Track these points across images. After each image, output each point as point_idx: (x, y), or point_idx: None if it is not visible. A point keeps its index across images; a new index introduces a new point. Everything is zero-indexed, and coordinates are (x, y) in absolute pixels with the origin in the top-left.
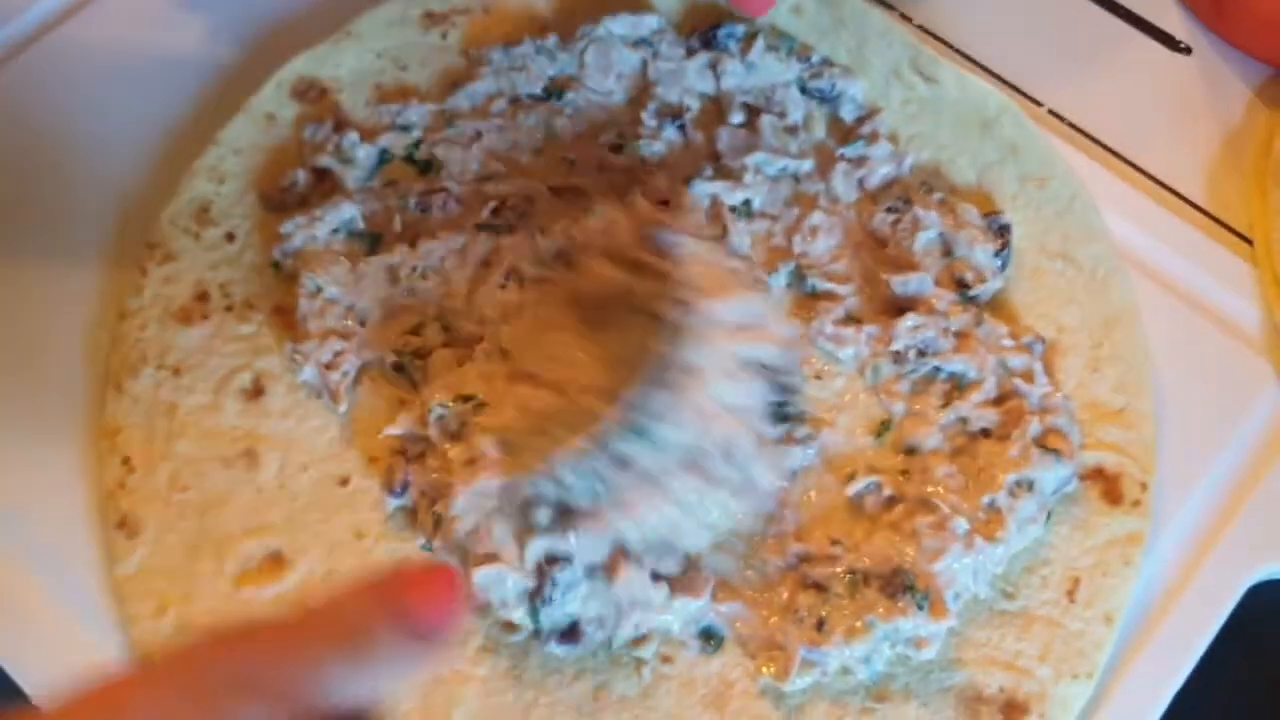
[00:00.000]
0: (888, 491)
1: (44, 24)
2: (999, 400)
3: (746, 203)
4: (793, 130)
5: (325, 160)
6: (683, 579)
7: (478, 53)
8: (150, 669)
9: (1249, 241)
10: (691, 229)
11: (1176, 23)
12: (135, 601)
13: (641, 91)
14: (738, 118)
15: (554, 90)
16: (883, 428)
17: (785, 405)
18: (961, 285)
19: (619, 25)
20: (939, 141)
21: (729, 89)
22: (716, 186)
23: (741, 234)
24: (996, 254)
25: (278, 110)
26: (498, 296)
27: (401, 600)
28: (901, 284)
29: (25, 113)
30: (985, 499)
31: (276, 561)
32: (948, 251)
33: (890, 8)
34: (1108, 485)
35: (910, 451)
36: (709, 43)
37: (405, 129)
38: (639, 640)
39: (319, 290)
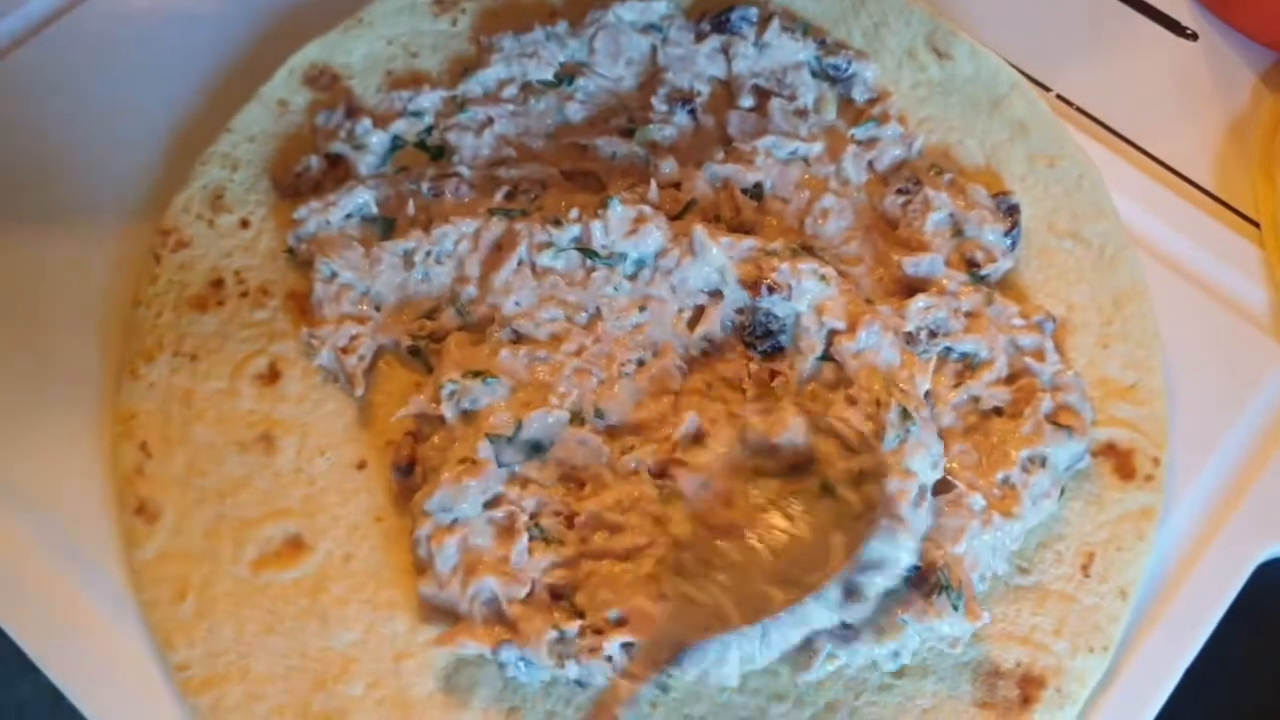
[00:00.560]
0: None
1: (57, 9)
2: (1010, 379)
3: (758, 185)
4: (803, 113)
5: (338, 146)
6: None
7: (488, 39)
8: None
9: (1255, 224)
10: None
11: (1183, 9)
12: (154, 587)
13: (651, 76)
14: (748, 101)
15: (564, 76)
16: None
17: None
18: (972, 265)
19: (628, 11)
20: (949, 123)
21: (740, 72)
22: (728, 170)
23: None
24: (1006, 234)
25: (290, 97)
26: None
27: None
28: (913, 265)
29: (38, 100)
30: (999, 475)
31: (295, 545)
32: (958, 232)
33: None
34: (1120, 461)
35: None
36: (721, 26)
37: (417, 115)
38: None
39: (334, 275)
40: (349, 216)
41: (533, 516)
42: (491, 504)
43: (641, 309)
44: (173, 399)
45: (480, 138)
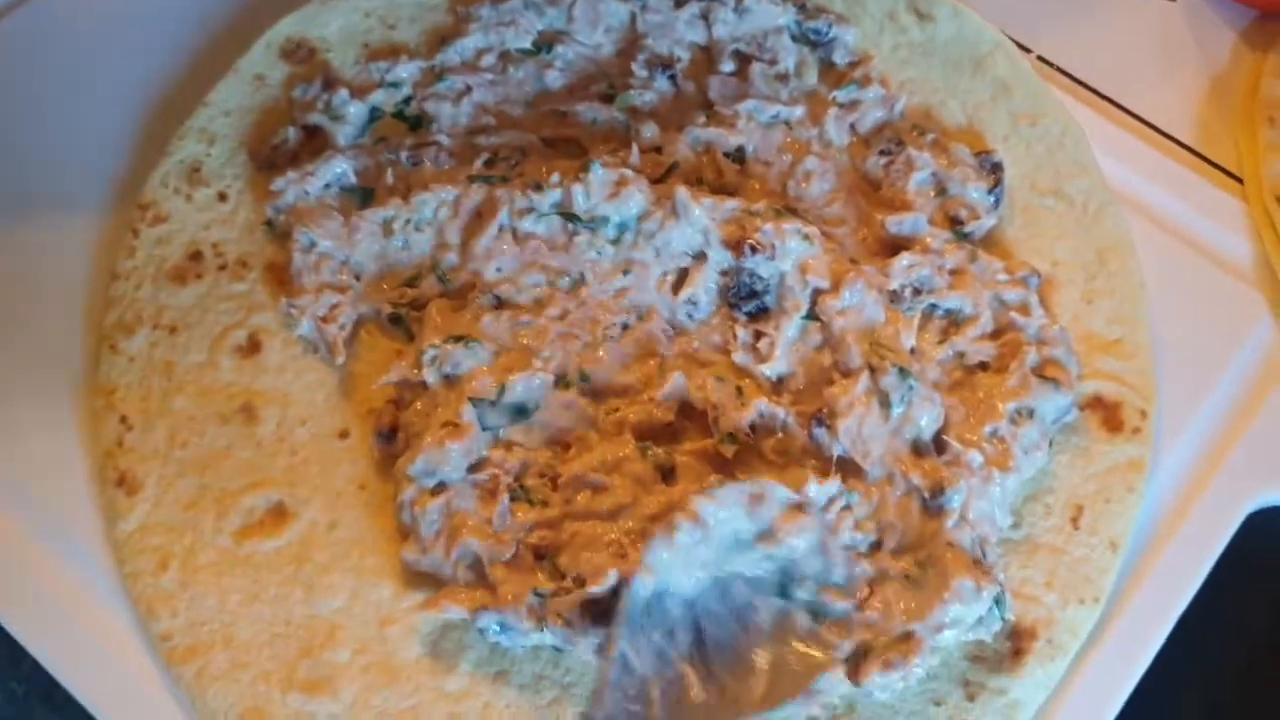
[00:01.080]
0: None
1: None
2: (996, 334)
3: (740, 149)
4: (784, 78)
5: (315, 118)
6: None
7: (466, 9)
8: None
9: (1238, 179)
10: None
11: None
12: (137, 558)
13: (631, 43)
14: (729, 66)
15: (543, 44)
16: None
17: None
18: (955, 223)
19: None
20: (931, 85)
21: (720, 38)
22: (710, 134)
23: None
24: (989, 191)
25: (267, 71)
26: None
27: None
28: (896, 224)
29: (12, 80)
30: (988, 429)
31: (278, 515)
32: (941, 191)
33: None
34: (1108, 414)
35: None
36: None
37: (395, 86)
38: None
39: (313, 245)
40: (327, 186)
41: (516, 479)
42: (475, 468)
43: (625, 273)
44: (153, 372)
45: (459, 106)
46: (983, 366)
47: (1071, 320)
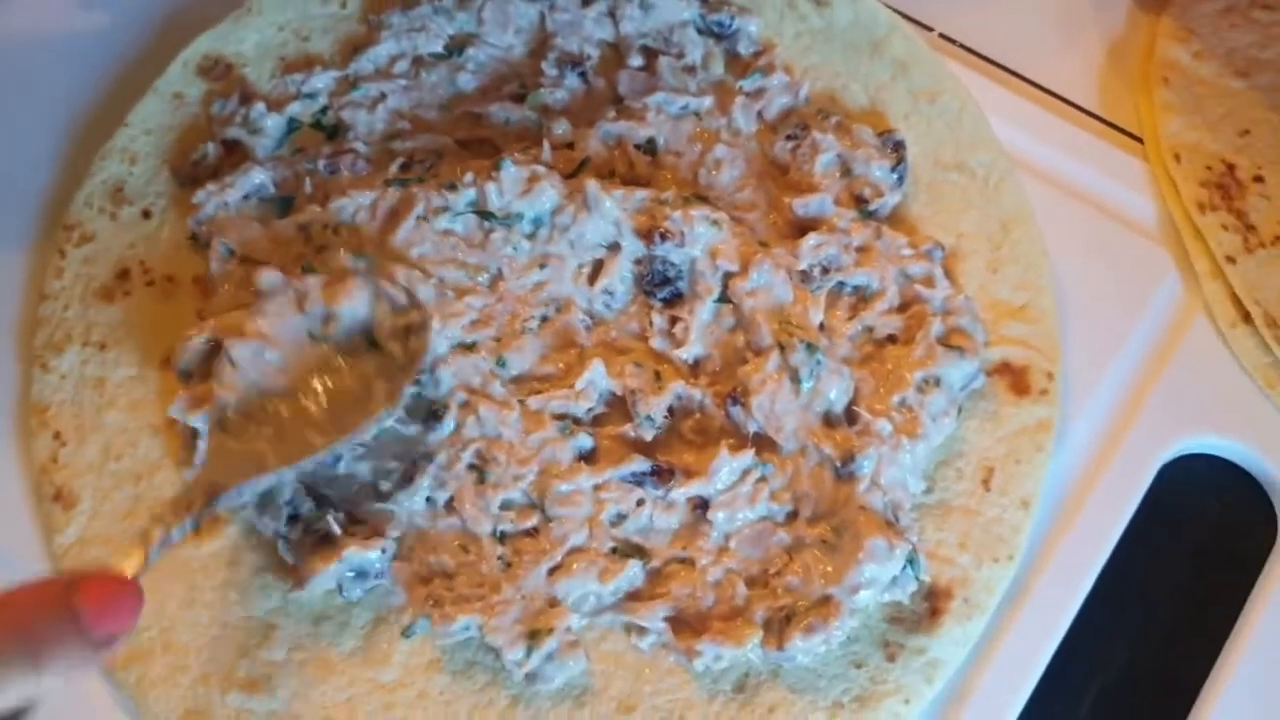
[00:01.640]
0: None
1: None
2: (903, 307)
3: (651, 141)
4: (691, 70)
5: (234, 132)
6: None
7: (377, 17)
8: None
9: (1140, 140)
10: None
11: None
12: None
13: (541, 43)
14: (637, 61)
15: (455, 48)
16: None
17: None
18: (861, 202)
19: None
20: (832, 70)
21: (628, 34)
22: (620, 127)
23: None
24: (893, 169)
25: (185, 89)
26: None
27: (77, 604)
28: (802, 206)
29: None
30: (896, 398)
31: (212, 520)
32: (846, 171)
33: None
34: (1015, 378)
35: None
36: None
37: (311, 96)
38: None
39: (231, 254)
40: (246, 197)
41: None
42: None
43: (542, 266)
44: (84, 388)
45: (374, 113)
46: (891, 339)
47: (978, 289)
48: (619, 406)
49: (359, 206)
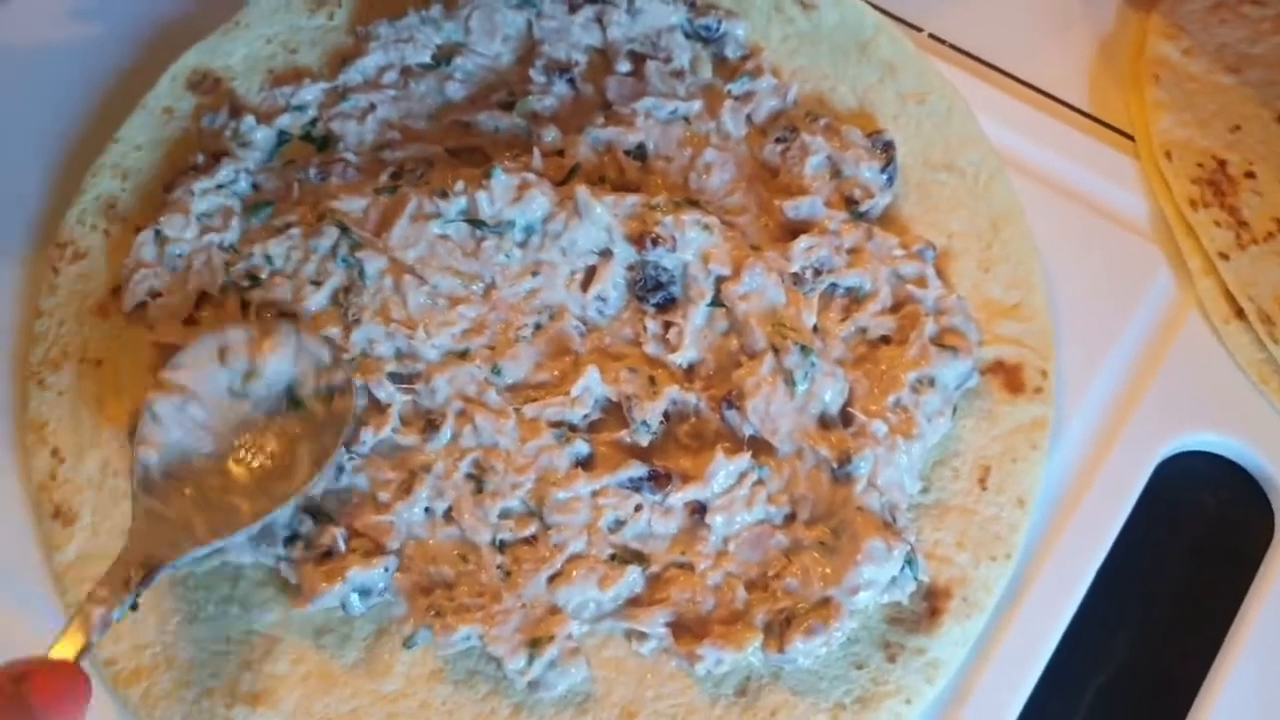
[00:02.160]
0: None
1: None
2: (895, 308)
3: (640, 146)
4: (679, 74)
5: (223, 145)
6: None
7: (365, 29)
8: None
9: (1131, 138)
10: None
11: None
12: (77, 588)
13: (529, 50)
14: (625, 66)
15: (442, 57)
16: None
17: None
18: (851, 204)
19: None
20: (820, 72)
21: (615, 39)
22: (610, 133)
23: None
24: (882, 170)
25: (175, 104)
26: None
27: (27, 697)
28: (793, 209)
29: None
30: (891, 399)
31: None
32: (836, 173)
33: None
34: (1009, 376)
35: None
36: None
37: (300, 109)
38: None
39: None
40: (220, 187)
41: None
42: None
43: (534, 274)
44: (82, 404)
45: (363, 124)
46: (885, 340)
47: (970, 289)
48: (615, 413)
49: (348, 216)
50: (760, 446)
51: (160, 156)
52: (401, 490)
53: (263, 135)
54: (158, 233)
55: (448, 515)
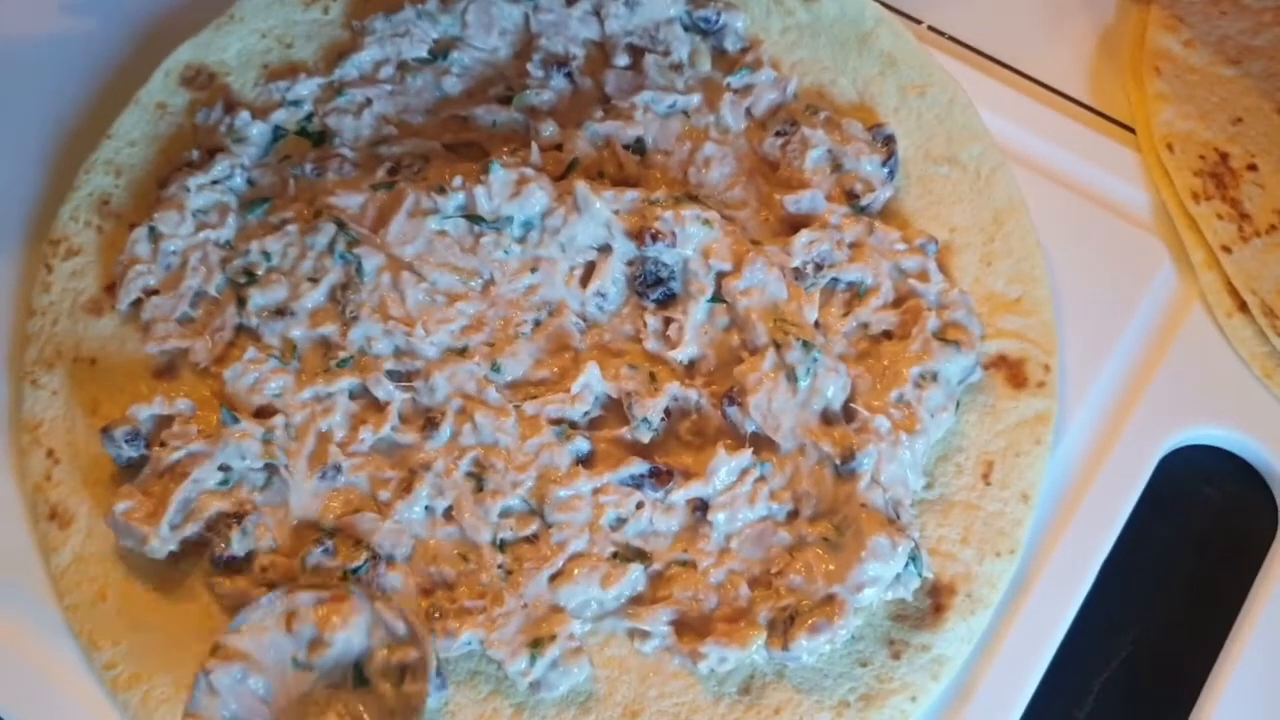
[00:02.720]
0: None
1: None
2: (897, 302)
3: (639, 140)
4: (678, 67)
5: (218, 141)
6: None
7: (361, 23)
8: None
9: (1132, 130)
10: None
11: None
12: (75, 590)
13: (526, 44)
14: (623, 60)
15: (439, 52)
16: None
17: None
18: (852, 197)
19: None
20: (820, 64)
21: (613, 32)
22: (608, 127)
23: None
24: (884, 164)
25: (168, 99)
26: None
27: None
28: (794, 203)
29: None
30: (894, 394)
31: None
32: (837, 167)
33: None
34: (1011, 371)
35: None
36: None
37: (296, 104)
38: None
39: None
40: (215, 183)
41: None
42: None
43: (533, 270)
44: (76, 403)
45: (360, 119)
46: (887, 335)
47: (973, 283)
48: (615, 410)
49: (344, 212)
50: (762, 443)
51: (154, 152)
52: (401, 489)
53: (258, 131)
54: (152, 229)
55: (448, 514)
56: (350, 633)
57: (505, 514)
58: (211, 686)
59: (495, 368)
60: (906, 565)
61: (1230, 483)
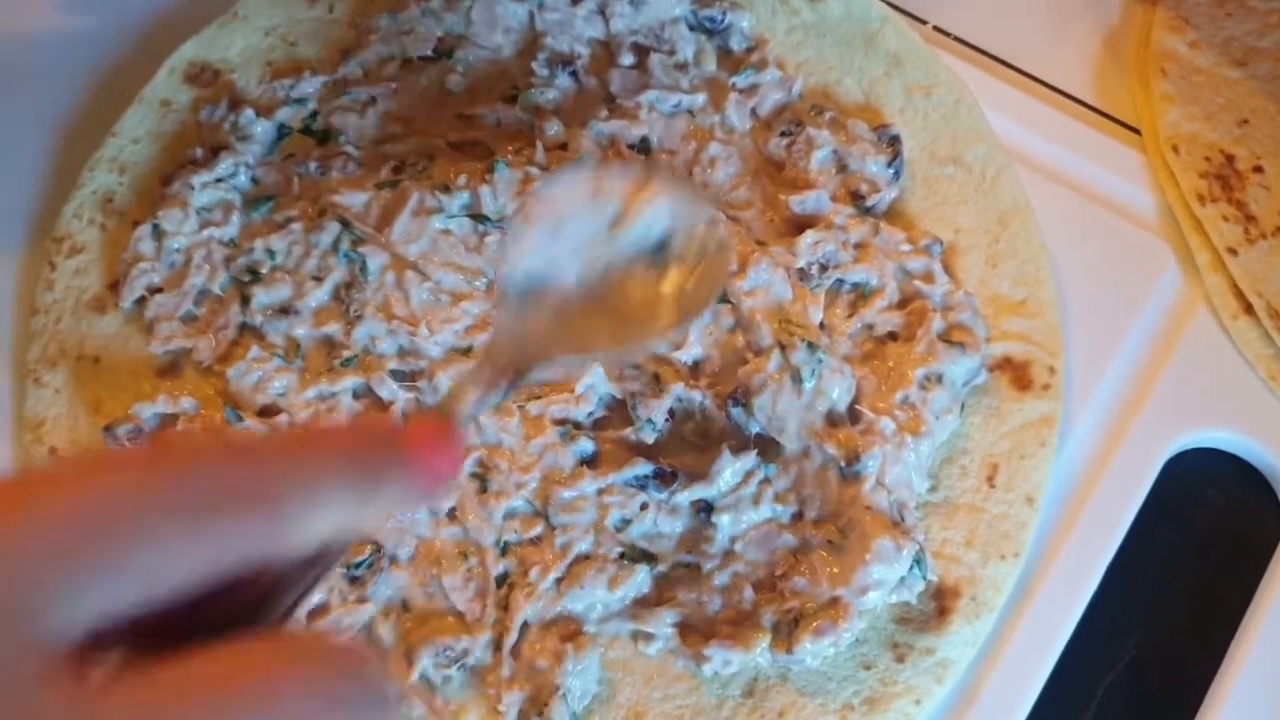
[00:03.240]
0: None
1: None
2: (903, 304)
3: (644, 140)
4: (683, 67)
5: (223, 139)
6: None
7: (365, 21)
8: (135, 466)
9: (1137, 131)
10: None
11: None
12: None
13: (531, 43)
14: (629, 59)
15: (444, 50)
16: None
17: None
18: (857, 198)
19: None
20: (826, 64)
21: (618, 31)
22: (613, 127)
23: None
24: (889, 164)
25: (173, 97)
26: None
27: (410, 447)
28: (799, 203)
29: None
30: (899, 396)
31: None
32: (842, 167)
33: None
34: (1016, 373)
35: None
36: None
37: (300, 102)
38: None
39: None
40: (220, 180)
41: None
42: None
43: None
44: (79, 402)
45: (364, 117)
46: (892, 336)
47: (978, 285)
48: (619, 410)
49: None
50: (766, 445)
51: (158, 150)
52: None
53: (262, 129)
54: (155, 227)
55: (451, 514)
56: (656, 211)
57: (510, 515)
58: (520, 236)
59: None
60: (911, 568)
61: (1235, 486)
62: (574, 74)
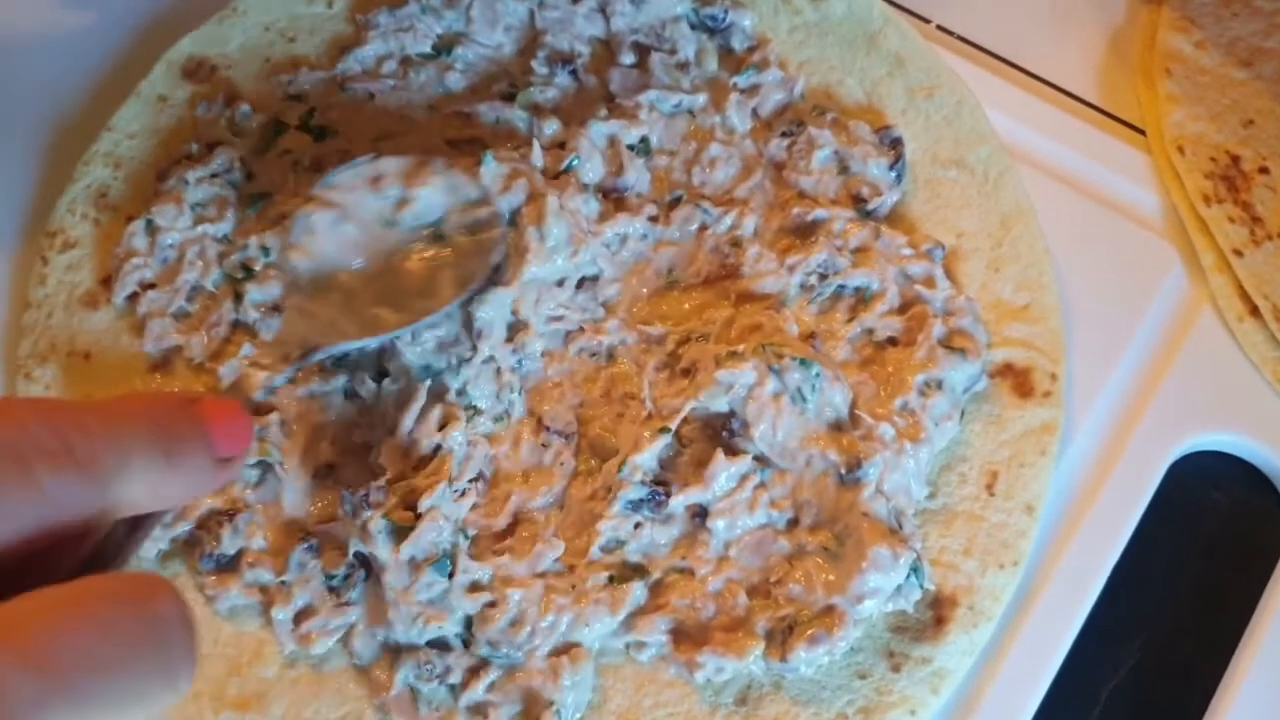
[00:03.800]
0: None
1: None
2: (903, 309)
3: (644, 140)
4: (684, 66)
5: (219, 134)
6: None
7: (364, 17)
8: None
9: (1142, 132)
10: None
11: None
12: None
13: (531, 41)
14: (629, 58)
15: (443, 47)
16: None
17: None
18: (859, 201)
19: None
20: (828, 64)
21: (619, 30)
22: (613, 126)
23: (640, 170)
24: (891, 167)
25: (169, 92)
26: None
27: (206, 420)
28: (806, 215)
29: None
30: (898, 402)
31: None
32: (844, 169)
33: None
34: (1018, 380)
35: None
36: None
37: (298, 98)
38: None
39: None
40: (215, 176)
41: None
42: None
43: None
44: (69, 398)
45: (362, 114)
46: (892, 341)
47: (980, 289)
48: None
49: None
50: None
51: (154, 145)
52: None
53: (259, 125)
54: (149, 222)
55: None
56: (432, 194)
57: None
58: (310, 226)
59: None
60: (908, 577)
61: (1240, 488)
62: (574, 72)
